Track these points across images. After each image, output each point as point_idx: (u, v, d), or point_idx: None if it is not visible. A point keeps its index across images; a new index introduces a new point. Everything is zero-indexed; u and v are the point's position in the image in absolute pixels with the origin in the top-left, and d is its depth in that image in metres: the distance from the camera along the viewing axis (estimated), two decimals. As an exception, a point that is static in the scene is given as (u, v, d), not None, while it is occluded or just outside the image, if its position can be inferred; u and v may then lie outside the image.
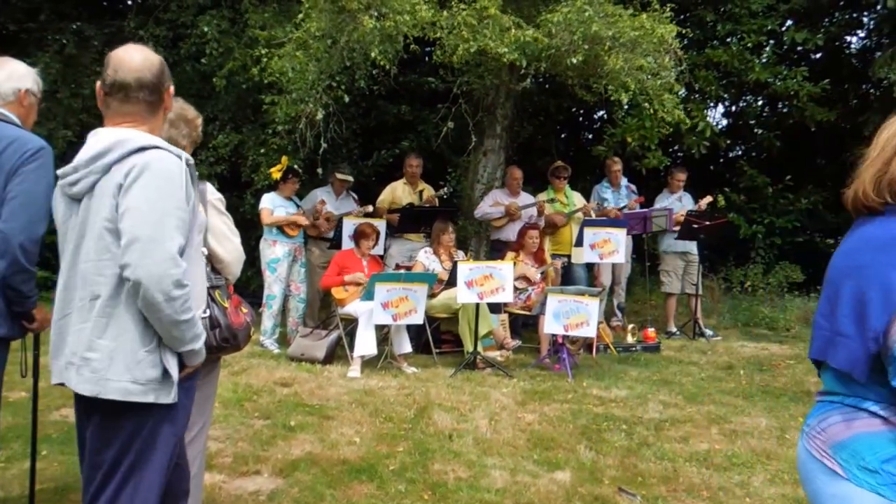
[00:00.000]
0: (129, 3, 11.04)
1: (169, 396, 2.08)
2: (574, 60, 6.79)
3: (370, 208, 8.04)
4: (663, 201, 8.86)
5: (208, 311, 2.65)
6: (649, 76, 7.04)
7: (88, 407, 2.11)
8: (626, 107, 8.22)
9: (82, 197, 2.11)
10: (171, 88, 2.26)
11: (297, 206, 7.63)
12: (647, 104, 7.27)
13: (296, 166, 7.78)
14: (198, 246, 2.25)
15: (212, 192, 2.77)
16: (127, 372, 2.02)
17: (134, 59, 2.17)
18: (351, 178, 8.32)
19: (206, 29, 8.68)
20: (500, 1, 6.89)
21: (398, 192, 8.28)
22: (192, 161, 2.17)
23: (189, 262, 2.09)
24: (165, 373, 2.07)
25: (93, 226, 2.08)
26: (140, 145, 2.07)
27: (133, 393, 2.02)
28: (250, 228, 9.39)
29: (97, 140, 2.14)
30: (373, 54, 6.74)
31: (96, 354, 2.03)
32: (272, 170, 7.58)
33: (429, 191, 8.43)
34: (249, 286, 9.41)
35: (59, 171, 2.19)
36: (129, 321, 2.04)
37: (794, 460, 4.53)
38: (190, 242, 2.13)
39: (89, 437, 2.14)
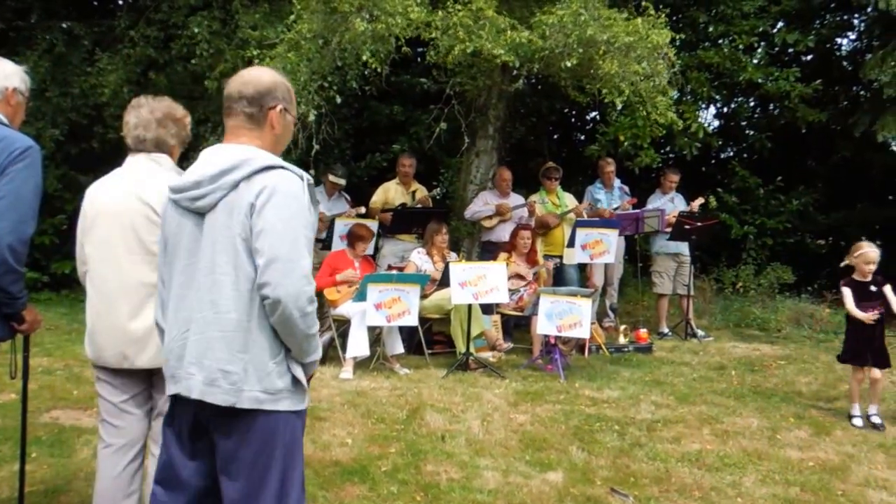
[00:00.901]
0: (120, 2, 10.98)
1: (301, 403, 2.19)
2: (568, 63, 6.79)
3: (363, 209, 8.03)
4: (655, 202, 8.88)
5: None
6: (642, 78, 7.04)
7: (222, 416, 2.14)
8: (619, 108, 8.23)
9: (206, 212, 2.16)
10: (281, 109, 2.25)
11: None
12: (640, 106, 7.28)
13: None
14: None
15: None
16: (258, 383, 2.10)
17: (243, 74, 2.28)
18: (343, 182, 8.28)
19: (196, 30, 8.63)
20: (495, 2, 6.88)
21: (391, 193, 8.27)
22: (311, 180, 2.21)
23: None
24: (295, 381, 2.16)
25: (221, 242, 2.12)
26: (266, 164, 2.13)
27: (264, 402, 2.10)
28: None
29: (220, 156, 2.18)
30: (364, 56, 6.73)
31: (234, 367, 2.10)
32: None
33: (422, 191, 8.43)
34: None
35: (175, 185, 2.23)
36: (261, 335, 2.11)
37: (786, 460, 4.57)
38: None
39: (224, 442, 2.16)
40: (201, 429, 2.19)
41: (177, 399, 2.21)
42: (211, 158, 2.19)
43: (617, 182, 9.02)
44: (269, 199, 2.07)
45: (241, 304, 2.10)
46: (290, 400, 2.15)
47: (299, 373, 2.17)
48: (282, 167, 2.14)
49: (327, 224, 7.84)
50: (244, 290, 2.09)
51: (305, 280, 2.07)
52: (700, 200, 8.80)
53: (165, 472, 2.26)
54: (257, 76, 2.27)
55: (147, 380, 2.80)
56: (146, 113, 2.77)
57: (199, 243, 2.16)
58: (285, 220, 2.07)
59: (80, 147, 10.01)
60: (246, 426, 2.11)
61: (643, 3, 7.23)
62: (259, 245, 2.06)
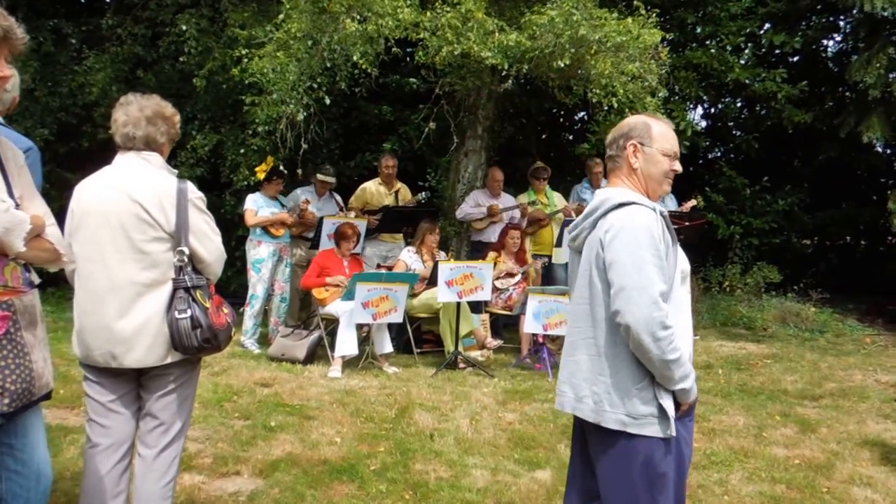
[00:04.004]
0: (107, 0, 10.91)
1: (665, 431, 2.24)
2: (561, 63, 6.79)
3: (352, 214, 8.01)
4: (647, 201, 8.89)
5: (189, 310, 2.63)
6: (630, 78, 7.06)
7: (589, 430, 2.38)
8: (606, 108, 8.26)
9: (581, 249, 2.42)
10: (634, 144, 2.38)
11: (283, 207, 7.59)
12: (628, 109, 7.27)
13: (280, 167, 7.74)
14: (679, 290, 2.37)
15: (192, 191, 2.75)
16: (622, 406, 2.25)
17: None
18: (332, 180, 8.24)
19: (184, 27, 8.60)
20: (485, 4, 6.88)
21: (368, 193, 8.21)
22: (665, 212, 2.33)
23: (673, 305, 2.25)
24: (661, 409, 2.24)
25: (583, 275, 2.37)
26: (618, 202, 2.30)
27: (629, 425, 2.24)
28: (231, 229, 9.34)
29: (594, 199, 2.42)
30: (355, 57, 6.72)
31: (598, 388, 2.29)
32: (257, 169, 7.53)
33: (405, 191, 8.40)
34: (230, 286, 9.36)
35: (567, 227, 2.49)
36: (623, 360, 2.26)
37: (772, 458, 4.60)
38: (673, 287, 2.30)
39: (594, 457, 2.39)
40: (586, 440, 2.43)
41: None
42: (591, 201, 2.43)
43: (604, 183, 9.03)
44: (617, 234, 2.24)
45: (600, 331, 2.30)
46: (656, 426, 2.23)
47: (666, 401, 2.24)
48: (634, 203, 2.29)
49: (315, 223, 7.83)
50: (601, 318, 2.30)
51: (654, 306, 2.15)
52: (692, 202, 8.83)
53: (571, 481, 2.57)
54: (621, 122, 2.48)
55: (135, 379, 2.79)
56: (135, 110, 2.74)
57: (576, 275, 2.43)
58: (632, 251, 2.20)
59: (69, 146, 9.95)
60: (611, 444, 2.29)
61: (634, 3, 7.25)
62: (610, 276, 2.23)
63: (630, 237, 2.21)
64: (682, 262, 2.41)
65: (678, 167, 2.44)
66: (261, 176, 7.43)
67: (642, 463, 2.24)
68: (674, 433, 2.25)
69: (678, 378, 2.22)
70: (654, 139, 2.38)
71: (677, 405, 2.29)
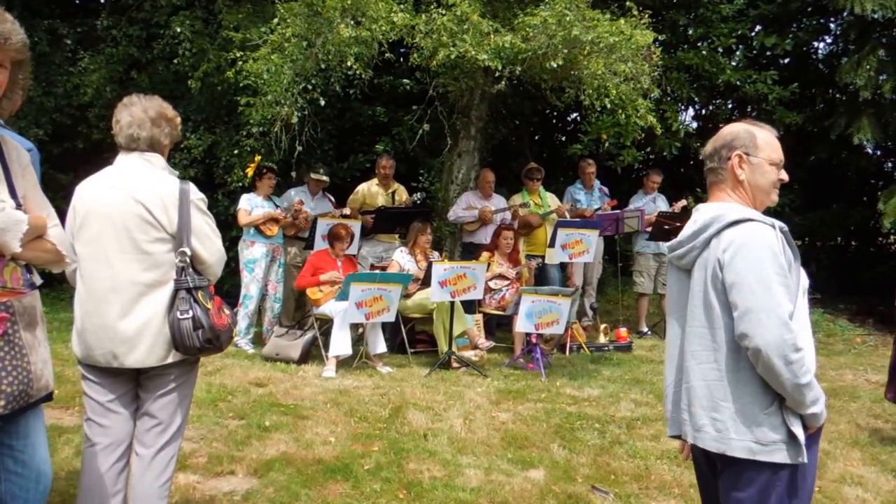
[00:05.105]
0: (102, 1, 10.91)
1: (796, 457, 2.12)
2: (554, 64, 6.82)
3: (347, 211, 8.04)
4: (637, 202, 8.96)
5: (191, 311, 2.65)
6: (622, 79, 7.09)
7: (715, 459, 2.27)
8: (599, 109, 8.29)
9: (690, 268, 2.29)
10: (740, 155, 2.27)
11: (277, 208, 7.61)
12: (620, 110, 7.30)
13: (269, 163, 7.76)
14: (802, 307, 2.22)
15: (194, 192, 2.77)
16: (749, 433, 2.13)
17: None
18: (326, 179, 8.28)
19: (178, 29, 8.61)
20: (480, 6, 6.91)
21: (369, 193, 8.26)
22: (785, 228, 2.20)
23: (797, 323, 2.13)
24: (790, 434, 2.12)
25: (698, 296, 2.24)
26: (734, 219, 2.18)
27: (757, 453, 2.12)
28: (224, 229, 9.30)
29: (700, 215, 2.30)
30: (349, 62, 6.74)
31: (720, 415, 2.17)
32: (246, 170, 7.56)
33: (401, 191, 8.44)
34: (223, 286, 9.36)
35: (667, 245, 2.41)
36: (748, 385, 2.14)
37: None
38: (797, 306, 2.17)
39: (721, 488, 2.27)
40: (715, 467, 2.30)
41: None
42: (695, 217, 2.31)
43: (597, 183, 9.10)
44: (736, 253, 2.12)
45: (721, 355, 2.18)
46: (786, 452, 2.11)
47: (796, 426, 2.12)
48: (750, 220, 2.17)
49: (310, 223, 7.85)
50: (722, 341, 2.17)
51: (784, 328, 2.04)
52: (683, 203, 8.89)
53: None
54: (721, 132, 2.35)
55: (134, 379, 2.81)
56: (139, 111, 2.76)
57: (685, 297, 2.30)
58: (756, 271, 2.09)
59: (64, 146, 9.94)
60: (737, 473, 2.18)
61: (627, 3, 7.29)
62: (733, 298, 2.12)
63: (753, 256, 2.10)
64: (803, 279, 2.28)
65: (785, 176, 2.32)
66: (249, 173, 7.47)
67: (771, 491, 2.14)
68: (805, 459, 2.12)
69: (809, 402, 2.10)
70: (760, 148, 2.27)
71: (804, 428, 2.16)
